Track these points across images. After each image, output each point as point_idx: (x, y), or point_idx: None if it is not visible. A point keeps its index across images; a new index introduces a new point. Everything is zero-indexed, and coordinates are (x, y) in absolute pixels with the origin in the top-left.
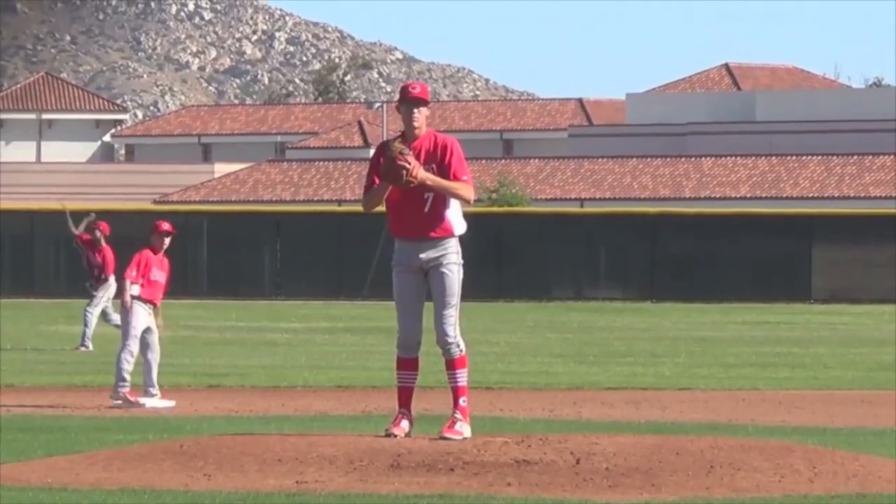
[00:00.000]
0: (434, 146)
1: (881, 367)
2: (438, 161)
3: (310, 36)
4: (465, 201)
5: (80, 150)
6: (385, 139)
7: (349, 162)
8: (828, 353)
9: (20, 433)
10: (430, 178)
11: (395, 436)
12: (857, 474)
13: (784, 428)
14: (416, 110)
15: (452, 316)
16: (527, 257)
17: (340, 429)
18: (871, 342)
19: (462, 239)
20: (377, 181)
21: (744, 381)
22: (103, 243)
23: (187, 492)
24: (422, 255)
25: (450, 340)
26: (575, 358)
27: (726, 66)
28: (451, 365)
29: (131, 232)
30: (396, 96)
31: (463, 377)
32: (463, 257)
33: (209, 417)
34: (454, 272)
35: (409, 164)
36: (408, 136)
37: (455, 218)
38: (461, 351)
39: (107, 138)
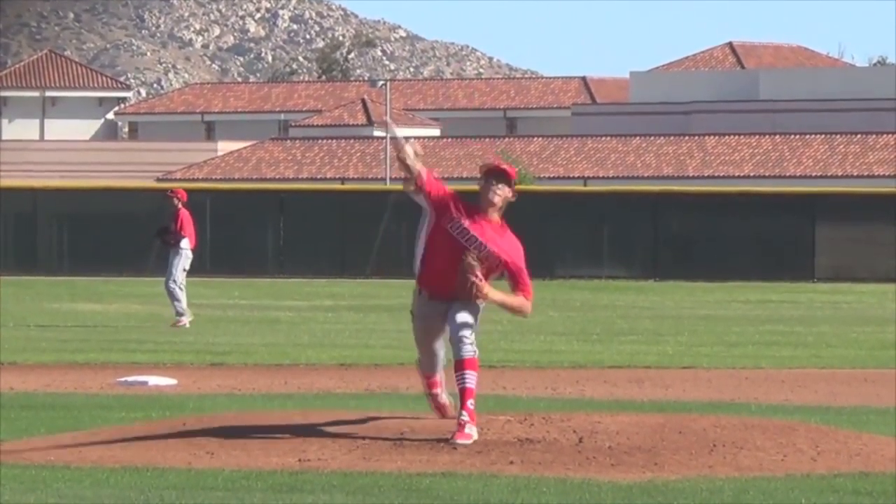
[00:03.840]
0: (509, 240)
1: (884, 346)
2: (499, 260)
3: (313, 14)
4: (523, 316)
5: (84, 128)
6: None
7: (352, 140)
8: (831, 331)
9: (22, 411)
10: (498, 297)
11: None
12: (860, 453)
13: (787, 407)
14: (499, 186)
15: (470, 325)
16: (530, 236)
17: (343, 406)
18: (874, 321)
19: None
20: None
21: (747, 359)
22: (179, 207)
23: (190, 470)
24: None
25: (464, 339)
26: (578, 336)
27: (730, 44)
28: (461, 365)
29: (134, 209)
30: (400, 74)
31: (472, 379)
32: None
33: (212, 395)
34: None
35: (478, 281)
36: (482, 208)
37: None
38: (474, 352)
39: (110, 116)
